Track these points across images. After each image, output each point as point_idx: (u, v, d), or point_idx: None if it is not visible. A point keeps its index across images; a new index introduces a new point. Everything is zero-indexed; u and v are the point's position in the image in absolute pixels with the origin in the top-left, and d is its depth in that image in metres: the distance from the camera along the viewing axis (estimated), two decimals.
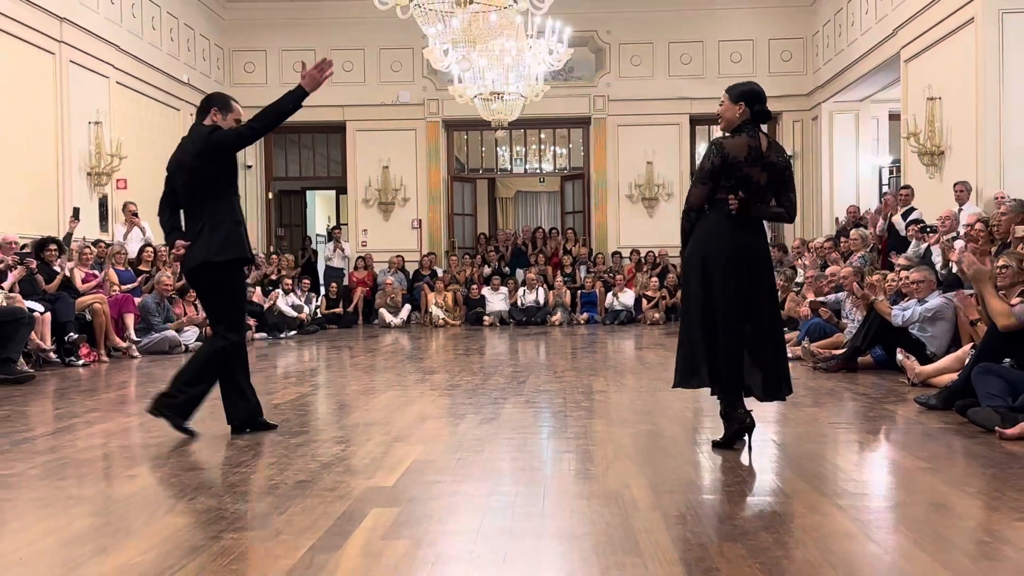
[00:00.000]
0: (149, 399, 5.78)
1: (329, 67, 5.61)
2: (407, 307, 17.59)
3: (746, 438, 4.99)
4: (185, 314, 12.30)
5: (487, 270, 18.57)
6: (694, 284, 5.07)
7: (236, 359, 5.69)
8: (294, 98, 5.75)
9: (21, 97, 12.17)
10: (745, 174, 4.94)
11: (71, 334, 10.12)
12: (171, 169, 5.82)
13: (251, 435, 5.61)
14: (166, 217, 5.93)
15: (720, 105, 5.10)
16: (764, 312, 5.00)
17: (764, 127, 5.07)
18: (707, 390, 5.13)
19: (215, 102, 5.85)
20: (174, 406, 5.53)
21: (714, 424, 5.37)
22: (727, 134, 5.08)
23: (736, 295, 4.94)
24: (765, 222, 5.29)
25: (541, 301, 17.37)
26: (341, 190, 20.68)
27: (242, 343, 5.77)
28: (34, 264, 10.16)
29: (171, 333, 11.78)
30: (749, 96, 5.03)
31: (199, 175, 5.67)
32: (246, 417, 5.70)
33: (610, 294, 17.40)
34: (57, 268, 10.78)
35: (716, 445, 5.05)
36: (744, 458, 4.82)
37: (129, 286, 12.17)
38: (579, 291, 17.84)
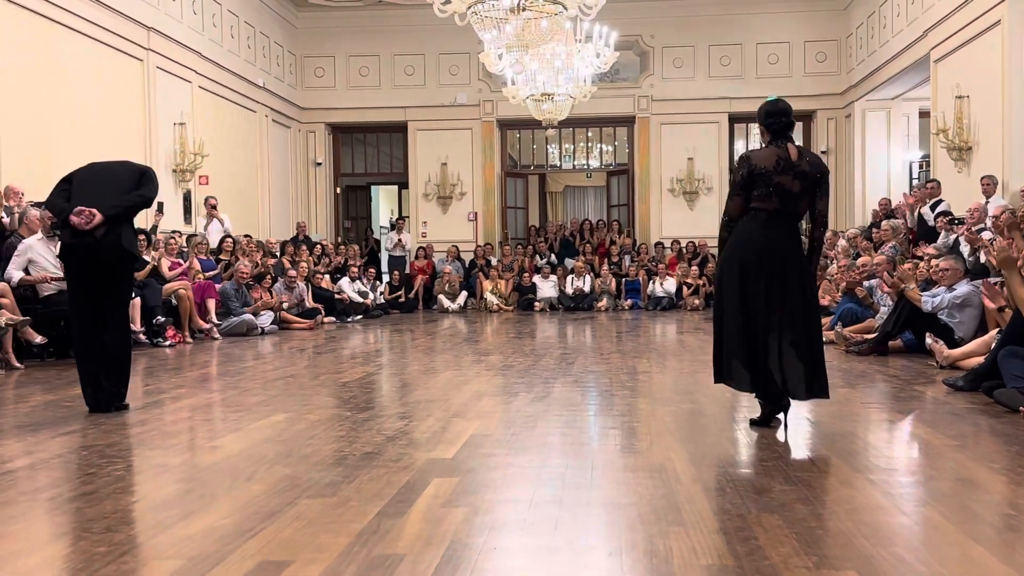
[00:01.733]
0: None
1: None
2: (464, 294, 17.66)
3: (781, 417, 4.95)
4: (261, 299, 12.45)
5: (538, 259, 18.56)
6: (730, 287, 4.95)
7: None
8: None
9: (112, 101, 12.38)
10: (777, 183, 4.87)
11: (159, 317, 10.30)
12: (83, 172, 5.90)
13: (320, 411, 5.68)
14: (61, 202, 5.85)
15: None
16: (798, 312, 4.88)
17: (792, 138, 4.99)
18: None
19: None
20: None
21: (751, 404, 5.33)
22: (759, 148, 5.08)
23: (768, 296, 4.84)
24: (802, 224, 5.19)
25: (588, 288, 17.33)
26: (403, 185, 20.78)
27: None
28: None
29: (248, 316, 11.93)
30: (763, 116, 5.02)
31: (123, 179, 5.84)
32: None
33: (653, 282, 17.32)
34: (147, 258, 10.96)
35: (753, 423, 5.02)
36: (780, 435, 4.78)
37: (210, 273, 12.35)
38: (624, 279, 17.77)
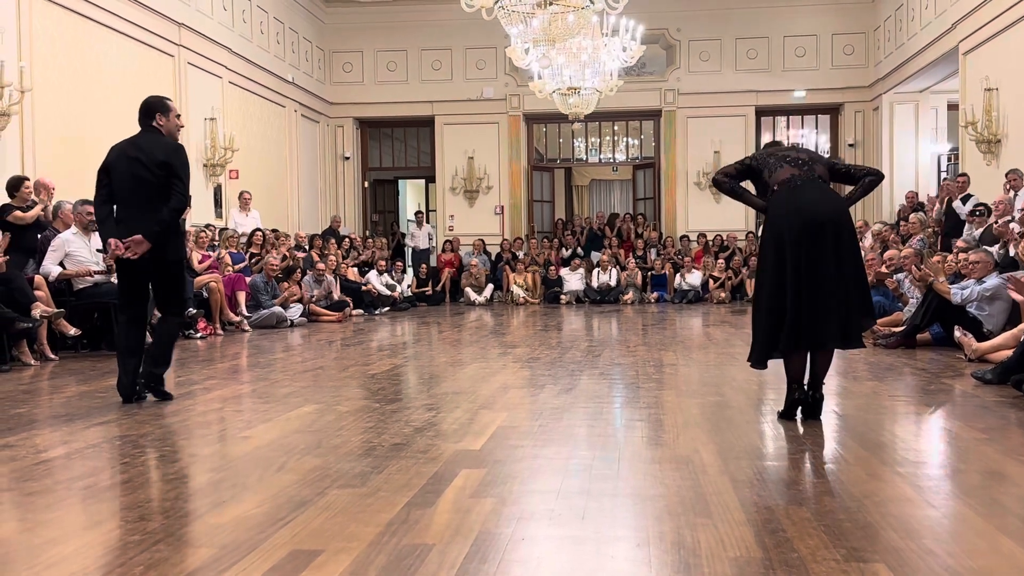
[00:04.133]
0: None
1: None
2: (490, 286, 17.68)
3: (801, 410, 4.95)
4: (289, 292, 12.51)
5: (564, 252, 18.55)
6: (767, 261, 4.91)
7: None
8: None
9: (144, 96, 12.38)
10: (781, 154, 5.10)
11: (190, 310, 10.36)
12: (118, 164, 5.88)
13: (349, 402, 5.71)
14: (106, 212, 5.93)
15: None
16: (843, 267, 4.77)
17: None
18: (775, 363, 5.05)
19: (157, 107, 6.03)
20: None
21: (777, 396, 5.30)
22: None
23: (811, 258, 4.74)
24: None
25: (614, 282, 17.29)
26: (430, 179, 20.82)
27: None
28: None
29: (278, 309, 12.00)
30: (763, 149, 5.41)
31: (154, 172, 5.80)
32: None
33: (679, 275, 17.26)
34: None
35: (781, 415, 5.00)
36: (807, 428, 4.75)
37: (240, 266, 12.43)
38: (650, 272, 17.72)
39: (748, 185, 5.23)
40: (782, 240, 4.82)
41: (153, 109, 6.01)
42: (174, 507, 3.39)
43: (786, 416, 4.97)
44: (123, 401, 5.73)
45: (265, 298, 11.99)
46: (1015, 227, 9.87)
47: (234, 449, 4.49)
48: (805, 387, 4.95)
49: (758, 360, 4.99)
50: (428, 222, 19.84)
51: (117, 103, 11.74)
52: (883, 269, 10.22)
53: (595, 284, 17.31)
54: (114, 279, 8.94)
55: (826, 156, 5.20)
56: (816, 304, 4.76)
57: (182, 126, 6.25)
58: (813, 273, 4.75)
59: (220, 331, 10.92)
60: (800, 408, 4.95)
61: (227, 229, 13.32)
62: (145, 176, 5.79)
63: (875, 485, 3.57)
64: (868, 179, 5.06)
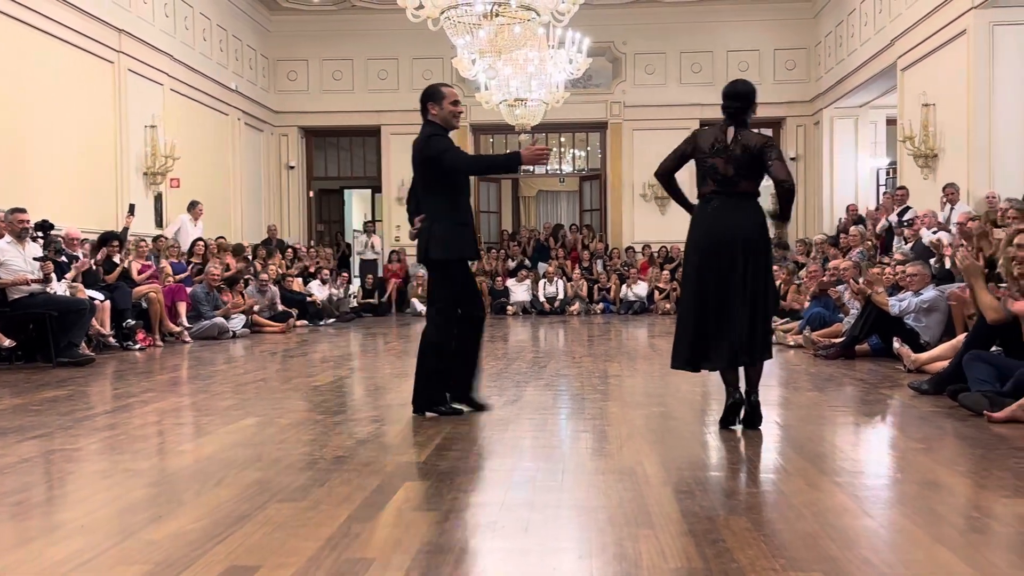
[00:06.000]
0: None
1: (547, 154, 5.49)
2: None
3: (741, 420, 5.00)
4: (231, 302, 12.35)
5: (511, 263, 18.57)
6: (688, 269, 5.09)
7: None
8: (507, 159, 5.85)
9: (83, 103, 12.25)
10: (709, 164, 5.00)
11: (129, 320, 10.21)
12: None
13: (291, 415, 5.65)
14: (412, 205, 5.89)
15: None
16: (748, 288, 4.87)
17: (744, 123, 5.03)
18: (715, 374, 5.12)
19: (429, 96, 5.74)
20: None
21: (720, 407, 5.35)
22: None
23: (719, 277, 4.89)
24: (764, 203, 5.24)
25: (560, 293, 17.36)
26: (376, 189, 20.72)
27: (448, 327, 5.55)
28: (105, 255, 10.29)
29: (219, 320, 11.85)
30: (723, 96, 5.13)
31: (419, 174, 5.68)
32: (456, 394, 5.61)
33: (624, 286, 17.38)
34: (117, 260, 10.87)
35: (721, 422, 5.06)
36: (748, 438, 4.80)
37: (181, 276, 12.24)
38: (596, 283, 17.80)
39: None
40: (696, 257, 5.02)
41: (425, 99, 5.72)
42: (108, 524, 3.32)
43: (725, 423, 5.01)
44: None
45: (206, 308, 11.83)
46: (943, 237, 10.13)
47: (172, 463, 4.41)
48: (742, 391, 5.00)
49: (675, 366, 5.11)
50: (375, 232, 19.71)
51: (54, 110, 11.53)
52: (825, 279, 10.39)
53: (541, 295, 17.36)
54: (50, 288, 8.78)
55: (768, 147, 5.00)
56: (720, 327, 4.89)
57: (460, 112, 5.79)
58: (719, 296, 4.90)
59: (160, 342, 10.73)
60: (741, 417, 4.99)
61: (165, 238, 13.09)
62: (416, 172, 5.71)
63: (814, 495, 3.62)
64: (778, 189, 5.00)
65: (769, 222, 5.09)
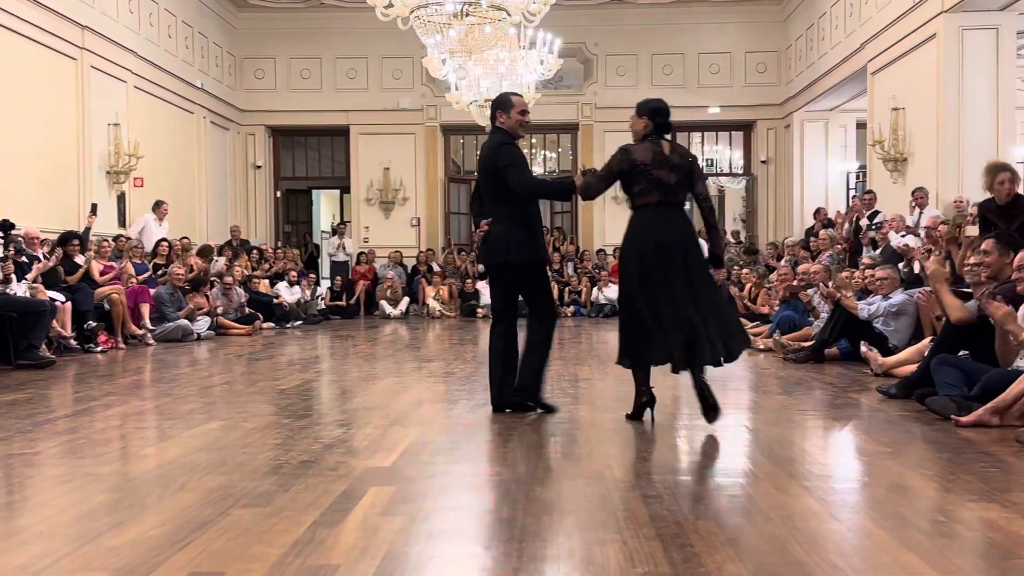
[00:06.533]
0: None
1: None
2: (406, 299, 17.59)
3: (649, 412, 5.28)
4: (194, 304, 12.24)
5: (480, 266, 18.55)
6: (631, 275, 5.25)
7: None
8: (564, 191, 6.24)
9: (45, 100, 12.11)
10: (655, 176, 5.24)
11: (90, 322, 10.09)
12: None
13: (256, 419, 5.61)
14: (475, 208, 6.01)
15: (631, 119, 5.50)
16: (700, 289, 5.15)
17: (667, 137, 5.44)
18: (686, 377, 5.16)
19: (498, 104, 5.81)
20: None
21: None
22: (633, 143, 5.45)
23: (669, 282, 5.11)
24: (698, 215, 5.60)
25: None
26: (345, 190, 20.66)
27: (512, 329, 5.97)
28: (61, 255, 10.14)
29: (183, 322, 11.74)
30: (652, 112, 5.43)
31: (489, 180, 5.73)
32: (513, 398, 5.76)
33: (596, 289, 17.42)
34: (78, 261, 10.75)
35: (629, 417, 5.35)
36: (717, 442, 4.83)
37: (143, 277, 12.12)
38: (566, 286, 17.83)
39: None
40: (639, 262, 5.21)
41: (495, 107, 5.81)
42: (68, 529, 3.28)
43: (634, 417, 5.31)
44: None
45: (170, 310, 11.72)
46: (912, 241, 10.25)
47: (133, 467, 4.37)
48: (652, 391, 5.27)
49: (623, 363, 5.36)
50: (346, 233, 19.62)
51: (15, 107, 11.38)
52: (795, 283, 10.47)
53: None
54: (10, 290, 8.67)
55: (695, 161, 5.53)
56: (666, 329, 5.08)
57: (527, 121, 5.83)
58: (664, 298, 5.11)
59: (122, 345, 10.60)
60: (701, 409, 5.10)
61: (129, 238, 12.96)
62: (484, 177, 5.81)
63: (782, 499, 3.64)
64: (703, 205, 5.42)
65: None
